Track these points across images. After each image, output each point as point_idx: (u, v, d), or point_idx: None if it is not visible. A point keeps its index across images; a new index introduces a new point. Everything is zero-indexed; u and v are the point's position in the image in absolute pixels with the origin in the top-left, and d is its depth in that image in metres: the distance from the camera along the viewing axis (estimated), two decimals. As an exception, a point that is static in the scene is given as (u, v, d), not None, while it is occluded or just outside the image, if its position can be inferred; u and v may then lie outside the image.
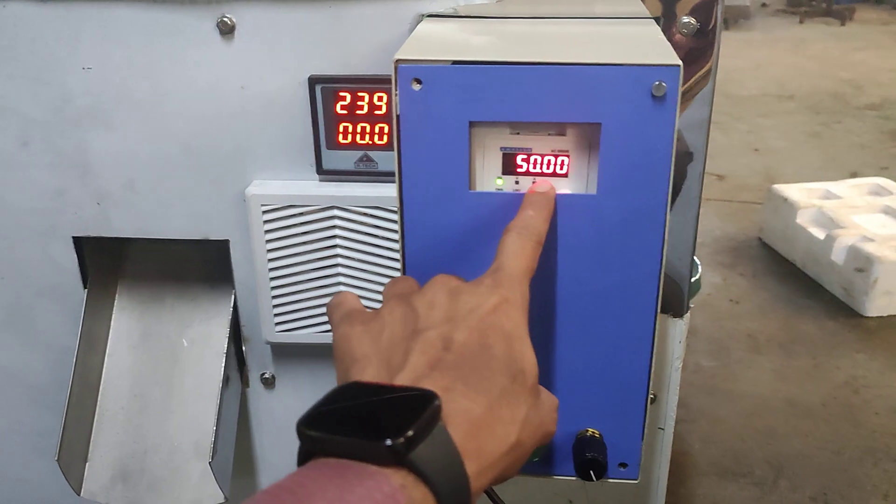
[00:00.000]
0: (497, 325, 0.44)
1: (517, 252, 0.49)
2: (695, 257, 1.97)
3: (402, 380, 0.40)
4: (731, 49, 5.52)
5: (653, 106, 0.52)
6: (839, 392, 2.00)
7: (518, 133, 0.57)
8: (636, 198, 0.55)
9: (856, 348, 2.19)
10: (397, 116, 0.55)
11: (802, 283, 2.54)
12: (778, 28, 6.28)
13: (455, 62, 0.53)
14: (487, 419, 0.40)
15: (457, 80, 0.54)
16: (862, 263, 2.31)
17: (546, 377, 0.62)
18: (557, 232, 0.57)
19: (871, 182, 2.83)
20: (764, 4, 7.35)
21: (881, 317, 2.32)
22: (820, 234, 2.50)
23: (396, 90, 0.54)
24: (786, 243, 2.68)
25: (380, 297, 0.75)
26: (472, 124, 0.55)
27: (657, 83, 0.52)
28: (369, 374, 0.42)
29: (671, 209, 0.73)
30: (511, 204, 0.57)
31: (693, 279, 1.87)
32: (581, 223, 0.56)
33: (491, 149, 0.57)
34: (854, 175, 3.17)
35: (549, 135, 0.57)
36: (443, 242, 0.59)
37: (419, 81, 0.54)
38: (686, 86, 0.70)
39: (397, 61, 0.53)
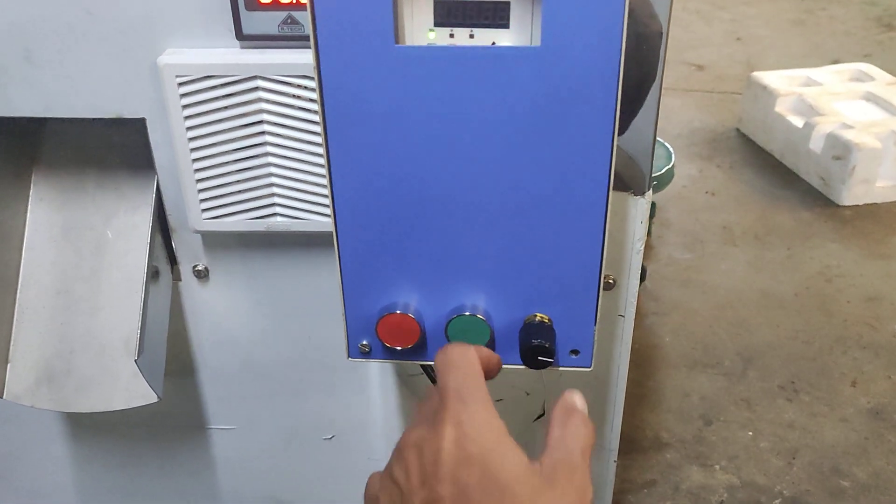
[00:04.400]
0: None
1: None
2: (668, 146, 1.90)
3: None
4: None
5: (604, -65, 0.45)
6: (812, 282, 1.98)
7: (451, -24, 0.49)
8: (586, 51, 0.48)
9: (830, 238, 2.16)
10: (307, -44, 0.47)
11: (780, 173, 2.49)
12: None
13: None
14: None
15: None
16: (840, 151, 2.26)
17: (491, 258, 0.56)
18: (499, 93, 0.50)
19: (853, 68, 2.74)
20: None
21: (857, 206, 2.28)
22: (798, 123, 2.43)
23: (302, -79, 0.45)
24: (764, 133, 2.61)
25: (313, 179, 0.69)
26: (394, -36, 0.47)
27: None
28: None
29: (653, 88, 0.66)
30: (446, 60, 0.50)
31: (665, 168, 1.82)
32: (525, 81, 0.49)
33: (420, -4, 0.50)
34: (836, 62, 3.07)
35: (486, -23, 0.49)
36: (369, 109, 0.52)
37: None
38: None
39: None
